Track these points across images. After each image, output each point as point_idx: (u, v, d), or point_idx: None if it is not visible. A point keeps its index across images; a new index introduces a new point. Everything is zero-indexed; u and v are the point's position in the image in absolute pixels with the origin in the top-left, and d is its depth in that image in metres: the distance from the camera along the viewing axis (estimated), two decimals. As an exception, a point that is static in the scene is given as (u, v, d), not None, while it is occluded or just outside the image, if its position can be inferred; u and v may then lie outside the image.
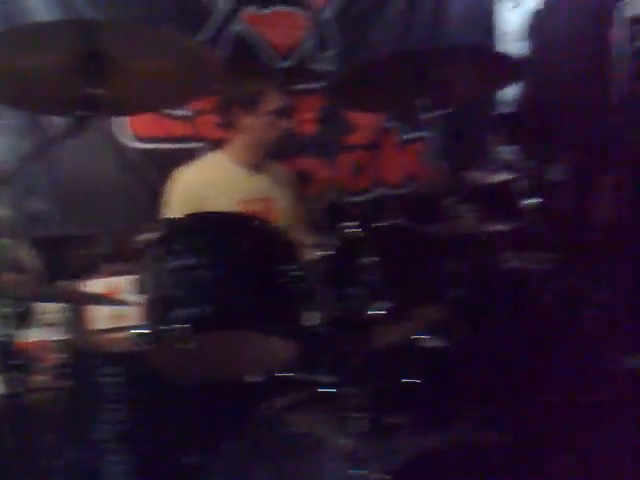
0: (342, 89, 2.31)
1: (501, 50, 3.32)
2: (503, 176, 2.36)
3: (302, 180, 3.19)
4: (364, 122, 3.41)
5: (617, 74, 3.16)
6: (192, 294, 1.60)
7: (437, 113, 2.13)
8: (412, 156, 3.53)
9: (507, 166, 2.64)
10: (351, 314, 1.81)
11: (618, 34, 3.16)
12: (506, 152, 3.19)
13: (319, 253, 1.92)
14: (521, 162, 2.63)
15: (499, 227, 2.25)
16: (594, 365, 2.27)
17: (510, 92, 3.60)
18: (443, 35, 3.51)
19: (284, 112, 2.74)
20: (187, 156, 2.97)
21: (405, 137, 3.52)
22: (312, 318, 1.78)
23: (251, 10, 3.26)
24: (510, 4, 3.72)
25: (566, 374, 2.16)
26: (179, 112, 3.10)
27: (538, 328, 2.14)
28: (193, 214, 1.81)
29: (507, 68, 2.24)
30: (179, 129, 3.12)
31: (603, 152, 2.86)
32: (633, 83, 3.03)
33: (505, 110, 3.61)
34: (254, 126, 2.72)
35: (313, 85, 3.34)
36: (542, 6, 3.65)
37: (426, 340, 2.03)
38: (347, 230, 1.94)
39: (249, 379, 1.91)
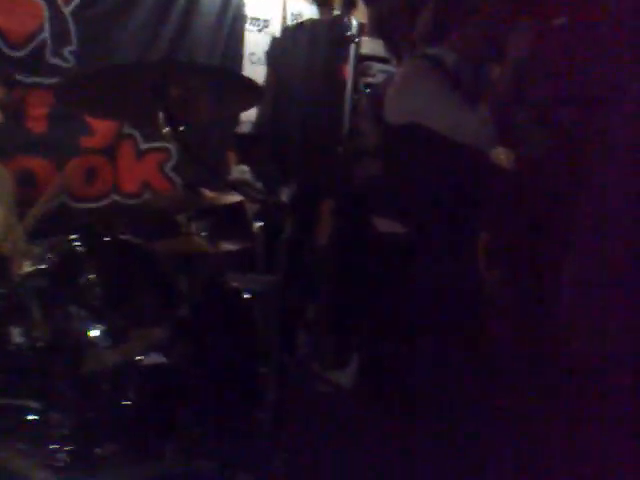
0: (73, 90, 2.16)
1: (243, 72, 3.39)
2: (236, 197, 2.40)
3: (24, 182, 2.94)
4: (101, 126, 3.23)
5: (347, 107, 3.42)
6: None
7: (175, 127, 2.09)
8: (150, 166, 3.45)
9: (240, 186, 2.70)
10: (65, 335, 1.69)
11: (349, 70, 3.43)
12: (241, 172, 3.26)
13: (33, 266, 1.77)
14: (254, 183, 2.71)
15: (228, 247, 2.28)
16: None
17: (249, 114, 3.69)
18: (187, 50, 3.47)
19: None
20: None
21: (144, 146, 3.41)
22: (19, 338, 1.64)
23: (-18, -9, 2.94)
24: (257, 26, 3.82)
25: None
26: None
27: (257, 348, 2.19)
28: None
29: (247, 91, 2.28)
30: None
31: (327, 179, 3.06)
32: (357, 116, 3.30)
33: (243, 131, 3.68)
34: None
35: (47, 80, 3.09)
36: (282, 34, 3.81)
37: (148, 359, 1.96)
38: (68, 242, 1.82)
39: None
